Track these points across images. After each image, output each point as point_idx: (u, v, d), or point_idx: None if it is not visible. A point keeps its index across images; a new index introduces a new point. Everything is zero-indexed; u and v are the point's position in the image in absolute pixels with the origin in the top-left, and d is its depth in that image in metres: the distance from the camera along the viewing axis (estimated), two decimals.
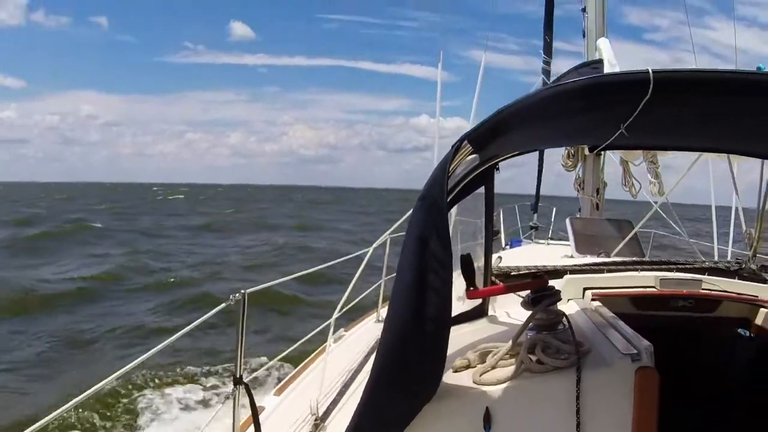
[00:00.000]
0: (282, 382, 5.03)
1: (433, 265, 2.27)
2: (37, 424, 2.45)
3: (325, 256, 23.08)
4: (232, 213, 63.75)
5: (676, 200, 8.77)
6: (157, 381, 11.55)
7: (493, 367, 2.78)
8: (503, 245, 10.29)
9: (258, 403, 3.98)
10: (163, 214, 59.94)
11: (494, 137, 2.36)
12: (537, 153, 11.24)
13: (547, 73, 10.39)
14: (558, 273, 4.43)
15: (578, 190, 8.76)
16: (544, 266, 4.93)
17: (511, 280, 4.24)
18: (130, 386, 11.11)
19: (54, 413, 2.54)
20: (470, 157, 2.40)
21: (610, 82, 2.27)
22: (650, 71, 1.99)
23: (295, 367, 5.39)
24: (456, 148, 2.37)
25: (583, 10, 8.98)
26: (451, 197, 2.46)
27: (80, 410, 9.64)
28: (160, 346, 3.22)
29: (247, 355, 3.52)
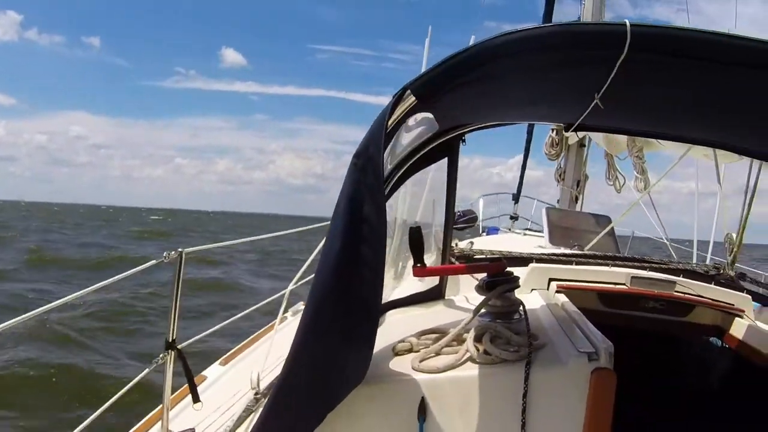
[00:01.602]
0: (229, 353, 4.80)
1: (365, 233, 1.97)
2: None
3: None
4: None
5: (664, 206, 8.60)
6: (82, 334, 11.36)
7: (437, 354, 2.56)
8: (480, 232, 10.09)
9: (201, 372, 3.76)
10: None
11: (443, 88, 2.05)
12: (524, 145, 11.10)
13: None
14: (523, 260, 4.21)
15: (558, 181, 8.55)
16: (510, 252, 4.70)
17: (469, 263, 4.01)
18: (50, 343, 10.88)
19: None
20: (423, 120, 2.14)
21: (581, 31, 1.97)
22: (627, 23, 1.71)
23: (247, 339, 5.17)
24: (397, 99, 2.04)
25: None
26: (407, 166, 2.27)
27: None
28: (73, 296, 2.97)
29: (187, 325, 3.27)
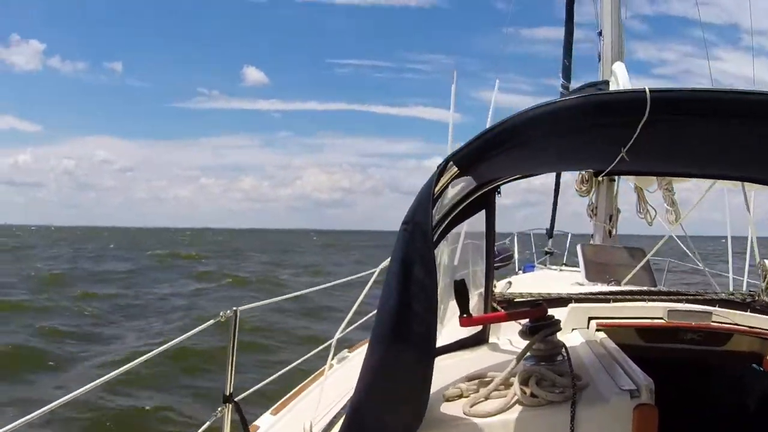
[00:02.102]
0: (279, 402, 4.94)
1: (415, 291, 2.17)
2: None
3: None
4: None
5: (694, 232, 8.63)
6: (143, 395, 11.51)
7: (486, 398, 2.69)
8: (516, 269, 10.18)
9: (253, 422, 3.90)
10: None
11: (482, 158, 2.26)
12: (554, 178, 11.21)
13: (565, 87, 10.31)
14: (563, 301, 4.32)
15: (591, 216, 8.62)
16: (549, 294, 4.81)
17: (513, 308, 4.13)
18: (114, 398, 11.06)
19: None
20: (462, 180, 2.32)
21: (604, 101, 2.19)
22: (647, 90, 1.89)
23: (295, 388, 5.31)
24: (441, 170, 2.27)
25: (599, 33, 8.89)
26: (448, 221, 2.41)
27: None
28: (144, 357, 3.16)
29: (241, 376, 3.46)
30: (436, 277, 2.22)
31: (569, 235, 11.75)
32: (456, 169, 2.25)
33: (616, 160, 2.31)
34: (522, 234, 12.35)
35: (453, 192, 2.35)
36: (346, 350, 6.05)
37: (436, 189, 2.24)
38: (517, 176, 3.11)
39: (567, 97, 2.16)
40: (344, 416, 2.35)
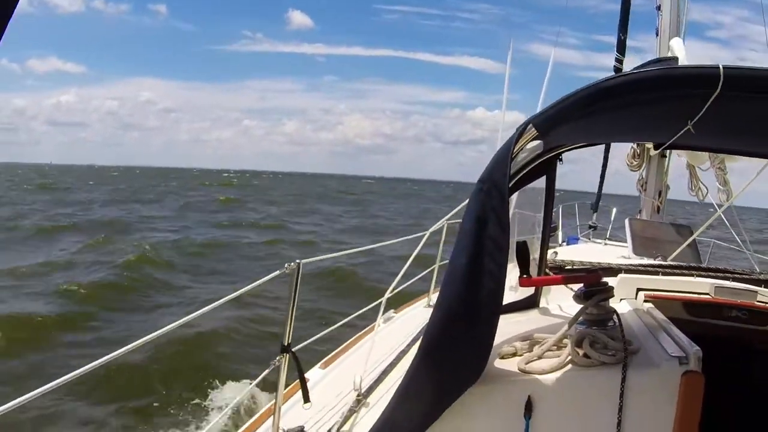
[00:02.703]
0: (328, 356, 5.11)
1: (489, 248, 2.27)
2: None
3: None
4: None
5: (740, 203, 8.54)
6: (205, 343, 11.93)
7: (540, 357, 2.79)
8: (560, 242, 10.20)
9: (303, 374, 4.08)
10: None
11: (560, 123, 2.34)
12: (602, 152, 11.14)
13: (618, 71, 10.20)
14: (612, 271, 4.39)
15: (640, 191, 8.60)
16: (599, 263, 4.88)
17: (565, 274, 4.22)
18: (180, 346, 11.48)
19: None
20: (534, 143, 2.38)
21: (680, 74, 2.26)
22: (721, 66, 1.98)
23: (344, 343, 5.48)
24: (521, 132, 2.36)
25: (658, 8, 8.76)
26: (512, 183, 2.44)
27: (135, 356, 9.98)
28: (208, 308, 3.31)
29: (296, 326, 3.60)
30: (509, 236, 2.31)
31: (614, 210, 11.68)
32: (535, 131, 2.33)
33: (681, 132, 2.39)
34: (567, 206, 12.31)
35: (522, 155, 2.41)
36: (392, 311, 6.22)
37: (515, 150, 2.34)
38: (581, 145, 3.19)
39: (647, 69, 2.25)
40: (410, 366, 2.46)
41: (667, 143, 2.84)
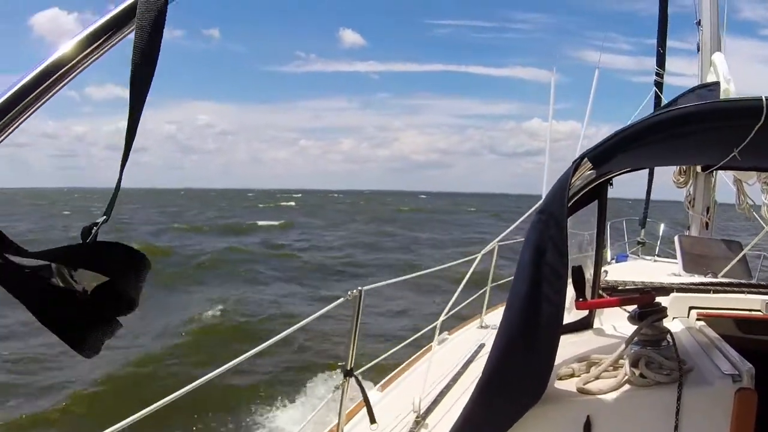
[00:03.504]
0: (386, 379, 5.23)
1: (548, 275, 2.41)
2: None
3: None
4: None
5: None
6: (271, 371, 12.15)
7: (597, 378, 2.89)
8: (609, 260, 10.17)
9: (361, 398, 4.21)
10: None
11: (612, 156, 2.50)
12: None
13: (659, 85, 10.22)
14: (664, 290, 4.43)
15: (688, 208, 8.58)
16: (651, 282, 4.93)
17: (617, 294, 4.28)
18: (243, 375, 11.70)
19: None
20: (588, 172, 2.54)
21: (723, 108, 2.44)
22: (763, 99, 2.12)
23: (400, 366, 5.60)
24: (576, 165, 2.51)
25: (698, 23, 8.80)
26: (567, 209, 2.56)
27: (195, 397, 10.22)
28: (276, 338, 3.47)
29: (357, 350, 3.75)
30: (567, 263, 2.45)
31: (662, 226, 11.60)
32: (590, 164, 2.50)
33: (728, 158, 2.51)
34: (614, 223, 12.25)
35: (577, 183, 2.55)
36: (446, 333, 6.32)
37: (571, 182, 2.50)
38: (629, 169, 3.32)
39: (690, 104, 2.40)
40: (476, 387, 2.58)
41: (714, 167, 2.97)
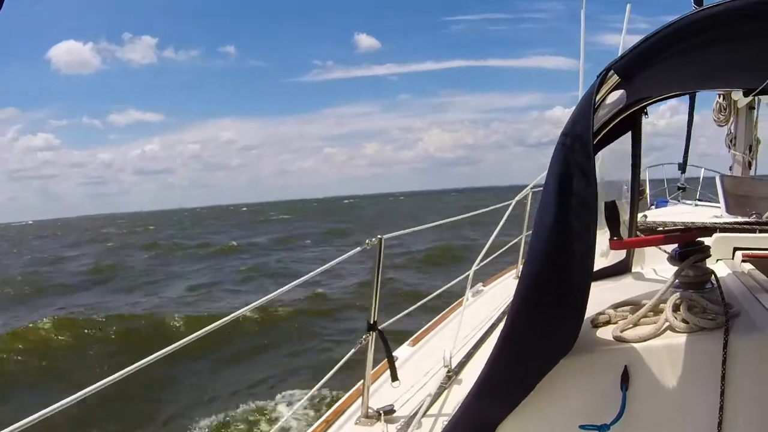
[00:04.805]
0: (417, 333, 5.10)
1: (575, 206, 2.12)
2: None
3: None
4: None
5: None
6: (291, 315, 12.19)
7: (635, 324, 2.68)
8: (648, 205, 9.87)
9: (392, 352, 4.07)
10: None
11: (643, 66, 2.16)
12: (687, 112, 10.72)
13: (699, 3, 9.72)
14: (707, 230, 4.17)
15: (729, 147, 8.24)
16: (693, 222, 4.69)
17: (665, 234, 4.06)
18: (267, 318, 11.75)
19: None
20: (616, 93, 2.21)
21: None
22: None
23: (431, 319, 5.46)
24: (601, 78, 2.18)
25: None
26: (595, 141, 2.27)
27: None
28: (295, 282, 3.33)
29: (382, 304, 3.59)
30: (596, 191, 2.16)
31: (702, 170, 11.23)
32: (617, 77, 2.17)
33: None
34: (653, 167, 11.90)
35: (605, 109, 2.24)
36: (480, 284, 6.17)
37: (597, 99, 2.18)
38: (667, 95, 2.98)
39: None
40: (498, 338, 2.36)
41: (759, 87, 2.62)
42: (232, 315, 2.98)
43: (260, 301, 3.31)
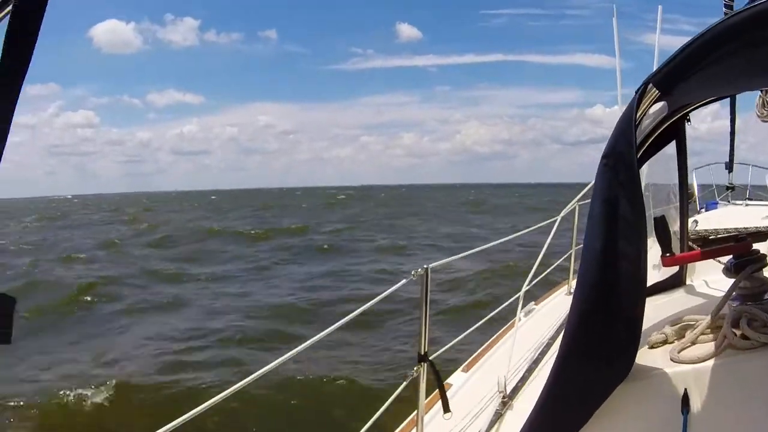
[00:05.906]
0: (470, 359, 5.02)
1: (624, 230, 2.09)
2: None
3: None
4: None
5: None
6: (338, 359, 12.08)
7: (693, 343, 2.58)
8: (698, 208, 9.67)
9: (445, 380, 3.98)
10: None
11: (682, 77, 2.12)
12: (729, 110, 10.50)
13: (729, 7, 9.50)
14: (761, 235, 4.04)
15: None
16: (746, 228, 4.54)
17: (710, 245, 3.93)
18: (308, 363, 11.67)
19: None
20: (657, 105, 2.16)
21: None
22: None
23: (483, 344, 5.38)
24: (640, 94, 2.14)
25: None
26: (639, 154, 2.22)
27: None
28: (338, 323, 3.31)
29: (432, 332, 3.53)
30: (644, 212, 2.13)
31: (750, 167, 10.95)
32: (656, 91, 2.13)
33: None
34: (699, 169, 11.65)
35: (647, 121, 2.19)
36: (532, 303, 6.06)
37: (637, 115, 2.13)
38: (708, 100, 2.89)
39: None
40: (554, 365, 2.31)
41: None
42: (285, 356, 2.97)
43: (320, 335, 3.28)
